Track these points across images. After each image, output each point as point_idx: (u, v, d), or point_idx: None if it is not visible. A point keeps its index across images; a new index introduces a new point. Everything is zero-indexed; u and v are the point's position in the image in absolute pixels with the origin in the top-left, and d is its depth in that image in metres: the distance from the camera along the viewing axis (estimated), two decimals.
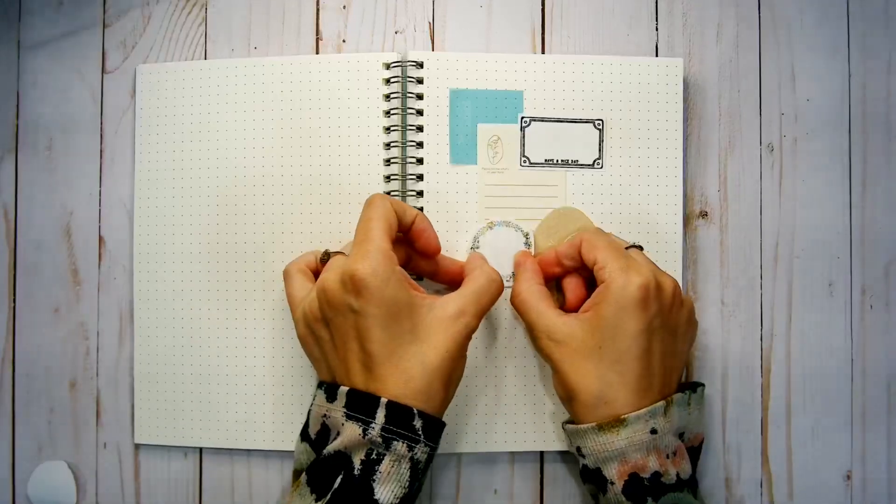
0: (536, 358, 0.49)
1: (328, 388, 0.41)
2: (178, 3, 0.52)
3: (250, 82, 0.50)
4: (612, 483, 0.41)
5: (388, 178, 0.49)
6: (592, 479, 0.43)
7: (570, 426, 0.44)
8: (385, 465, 0.39)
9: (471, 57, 0.49)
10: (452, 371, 0.41)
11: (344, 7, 0.51)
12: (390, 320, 0.40)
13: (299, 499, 0.40)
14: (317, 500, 0.39)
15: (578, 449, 0.43)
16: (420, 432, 0.39)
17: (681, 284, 0.49)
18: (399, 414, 0.39)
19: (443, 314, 0.41)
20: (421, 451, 0.39)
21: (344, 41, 0.51)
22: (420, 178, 0.49)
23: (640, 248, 0.46)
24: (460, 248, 0.49)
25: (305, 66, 0.50)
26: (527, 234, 0.49)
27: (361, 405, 0.39)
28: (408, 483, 0.39)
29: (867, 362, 0.50)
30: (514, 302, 0.46)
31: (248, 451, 0.50)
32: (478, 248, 0.49)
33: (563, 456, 0.50)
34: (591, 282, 0.45)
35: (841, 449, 0.50)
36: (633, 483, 0.41)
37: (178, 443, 0.50)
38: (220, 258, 0.50)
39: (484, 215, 0.49)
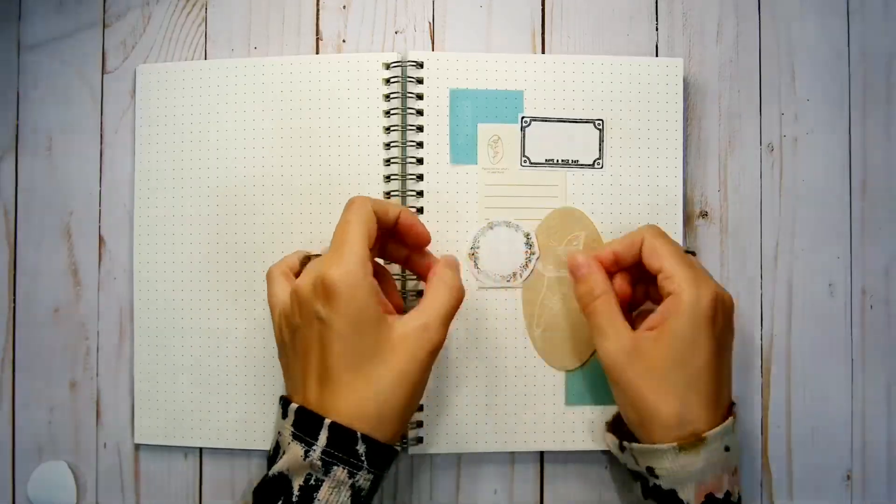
0: (536, 358, 0.49)
1: (283, 403, 0.40)
2: (178, 3, 0.52)
3: (250, 82, 0.50)
4: None
5: (388, 178, 0.49)
6: (663, 499, 0.41)
7: (641, 445, 0.42)
8: (323, 492, 0.37)
9: (471, 57, 0.49)
10: (410, 396, 0.39)
11: (344, 7, 0.51)
12: (354, 334, 0.38)
13: None
14: None
15: (650, 469, 0.41)
16: (363, 458, 0.37)
17: None
18: (342, 437, 0.37)
19: (405, 331, 0.39)
20: (364, 479, 0.38)
21: (344, 41, 0.51)
22: (420, 178, 0.49)
23: (694, 253, 0.45)
24: (460, 249, 0.49)
25: (305, 66, 0.50)
26: (527, 235, 0.49)
27: (307, 425, 0.38)
28: None
29: (867, 362, 0.50)
30: (587, 310, 0.43)
31: (248, 451, 0.50)
32: (478, 248, 0.49)
33: (563, 456, 0.49)
34: (637, 279, 0.45)
35: (841, 449, 0.50)
36: None
37: (178, 443, 0.50)
38: (219, 258, 0.50)
39: (484, 215, 0.49)
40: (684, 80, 0.50)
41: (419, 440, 0.48)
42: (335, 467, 0.37)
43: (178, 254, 0.50)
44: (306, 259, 0.44)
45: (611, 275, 0.44)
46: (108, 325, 0.51)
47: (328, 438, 0.37)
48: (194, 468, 0.50)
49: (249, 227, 0.49)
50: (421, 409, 0.48)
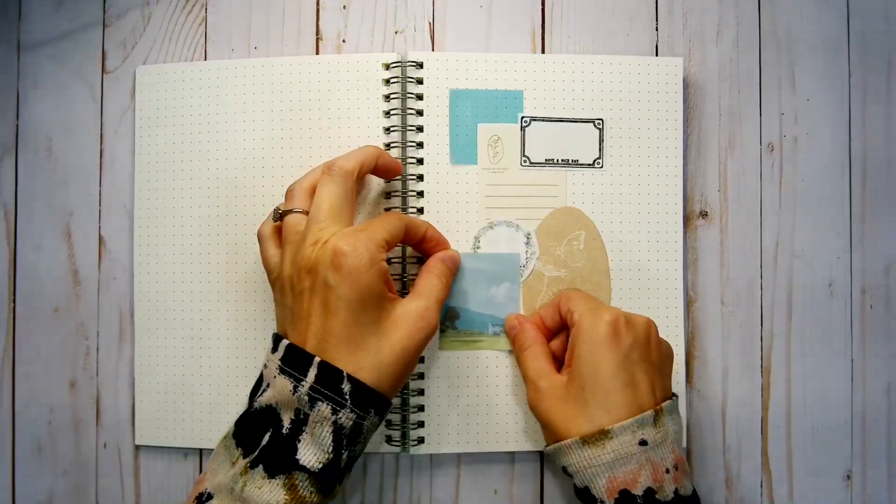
0: None
1: (275, 338, 0.41)
2: (178, 3, 0.52)
3: (250, 83, 0.50)
4: (603, 502, 0.40)
5: (388, 179, 0.49)
6: (584, 499, 0.41)
7: (552, 446, 0.43)
8: (308, 426, 0.38)
9: (471, 57, 0.49)
10: (403, 372, 0.41)
11: (344, 7, 0.51)
12: (360, 306, 0.39)
13: (225, 452, 0.40)
14: (244, 456, 0.39)
15: (564, 468, 0.42)
16: (347, 397, 0.38)
17: (681, 284, 0.49)
18: (329, 375, 0.38)
19: (406, 311, 0.41)
20: (346, 417, 0.38)
21: (344, 41, 0.51)
22: (420, 178, 0.49)
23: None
24: (461, 249, 0.49)
25: (305, 66, 0.50)
26: (528, 234, 0.49)
27: (296, 361, 0.39)
28: (331, 448, 0.38)
29: (867, 362, 0.50)
30: (518, 361, 0.47)
31: None
32: (479, 248, 0.49)
33: None
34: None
35: (841, 449, 0.50)
36: (625, 501, 0.39)
37: (179, 444, 0.50)
38: (220, 258, 0.50)
39: (484, 215, 0.49)
40: (684, 80, 0.50)
41: (419, 440, 0.48)
42: (319, 403, 0.38)
43: (178, 254, 0.50)
44: (278, 214, 0.44)
45: (547, 338, 0.47)
46: (108, 325, 0.51)
47: (316, 376, 0.39)
48: (194, 468, 0.50)
49: (250, 227, 0.49)
50: (422, 409, 0.48)
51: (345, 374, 0.39)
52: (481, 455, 0.49)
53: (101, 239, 0.51)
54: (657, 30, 0.51)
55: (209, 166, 0.50)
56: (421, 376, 0.48)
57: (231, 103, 0.50)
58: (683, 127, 0.50)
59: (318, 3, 0.51)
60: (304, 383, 0.38)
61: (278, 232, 0.44)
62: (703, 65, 0.51)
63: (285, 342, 0.40)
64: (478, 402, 0.49)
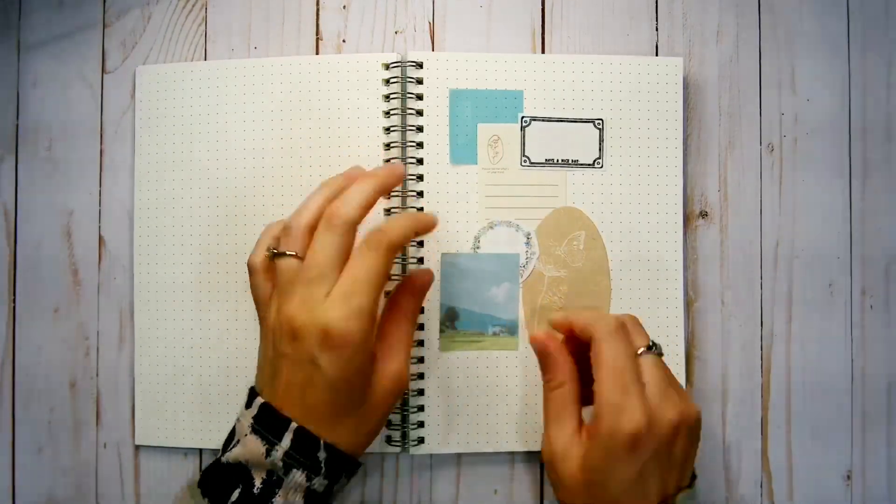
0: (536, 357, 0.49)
1: (251, 393, 0.41)
2: (178, 3, 0.52)
3: (250, 83, 0.50)
4: None
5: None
6: None
7: None
8: (281, 492, 0.38)
9: (471, 57, 0.49)
10: (377, 433, 0.42)
11: (344, 7, 0.51)
12: (345, 387, 0.39)
13: (191, 500, 0.40)
14: None
15: None
16: (322, 465, 0.38)
17: (681, 284, 0.49)
18: (305, 442, 0.38)
19: (385, 388, 0.40)
20: (319, 484, 0.39)
21: (344, 41, 0.51)
22: (420, 178, 0.49)
23: (660, 352, 0.41)
24: (461, 249, 0.49)
25: (305, 66, 0.50)
26: (528, 234, 0.49)
27: (271, 422, 0.39)
28: None
29: (867, 362, 0.50)
30: (545, 396, 0.42)
31: None
32: (479, 248, 0.49)
33: None
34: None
35: (841, 449, 0.50)
36: None
37: (179, 444, 0.50)
38: (220, 258, 0.50)
39: (484, 215, 0.49)
40: (684, 80, 0.50)
41: (419, 440, 0.48)
42: (295, 470, 0.38)
43: (178, 254, 0.50)
44: (271, 253, 0.41)
45: (577, 351, 0.42)
46: (108, 325, 0.51)
47: (292, 441, 0.38)
48: (194, 468, 0.50)
49: (249, 227, 0.49)
50: (422, 409, 0.48)
51: (322, 442, 0.38)
52: (481, 455, 0.49)
53: (101, 239, 0.51)
54: (657, 30, 0.51)
55: (209, 166, 0.50)
56: (421, 376, 0.48)
57: (231, 103, 0.50)
58: (683, 127, 0.50)
59: (318, 3, 0.51)
60: (278, 448, 0.38)
61: (270, 265, 0.42)
62: (703, 65, 0.51)
63: (260, 401, 0.40)
64: (478, 403, 0.49)
